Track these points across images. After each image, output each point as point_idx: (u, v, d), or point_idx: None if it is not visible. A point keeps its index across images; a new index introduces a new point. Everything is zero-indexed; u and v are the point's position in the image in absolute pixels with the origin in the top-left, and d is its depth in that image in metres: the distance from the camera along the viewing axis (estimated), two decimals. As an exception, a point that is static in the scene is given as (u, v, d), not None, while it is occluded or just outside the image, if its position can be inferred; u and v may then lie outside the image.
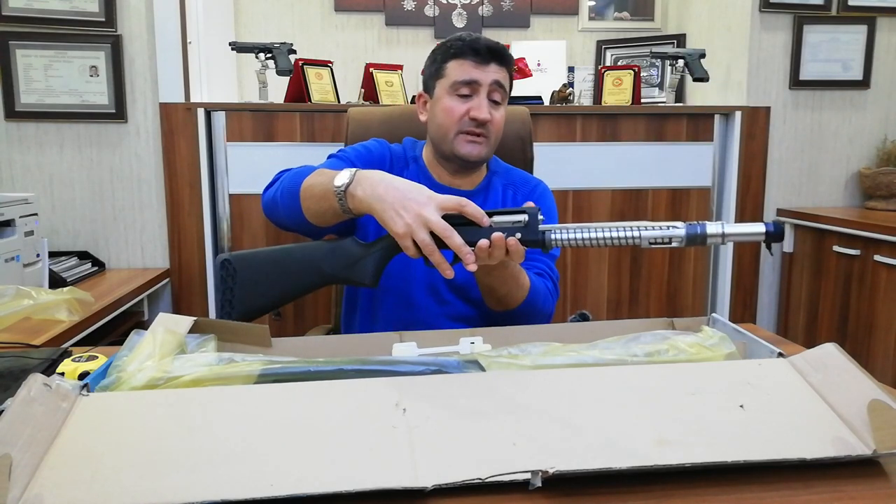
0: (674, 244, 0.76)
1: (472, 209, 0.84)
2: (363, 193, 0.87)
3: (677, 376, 0.65)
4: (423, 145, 1.24)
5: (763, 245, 0.78)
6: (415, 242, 0.84)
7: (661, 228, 0.76)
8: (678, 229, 0.75)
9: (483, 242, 0.82)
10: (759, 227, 0.75)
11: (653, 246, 0.76)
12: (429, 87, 1.18)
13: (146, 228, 2.04)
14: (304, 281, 0.89)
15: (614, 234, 0.77)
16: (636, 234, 0.76)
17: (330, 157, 1.17)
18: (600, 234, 0.78)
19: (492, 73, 1.11)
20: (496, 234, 0.83)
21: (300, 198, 0.98)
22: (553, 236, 0.81)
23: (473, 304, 1.17)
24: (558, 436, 0.55)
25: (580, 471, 0.51)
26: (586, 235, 0.79)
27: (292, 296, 0.90)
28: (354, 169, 0.91)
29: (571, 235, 0.80)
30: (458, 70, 1.11)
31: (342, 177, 0.90)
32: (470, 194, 1.18)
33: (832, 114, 2.37)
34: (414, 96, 1.27)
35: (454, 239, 0.82)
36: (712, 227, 0.75)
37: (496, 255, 0.84)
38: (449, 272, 0.84)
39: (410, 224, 0.82)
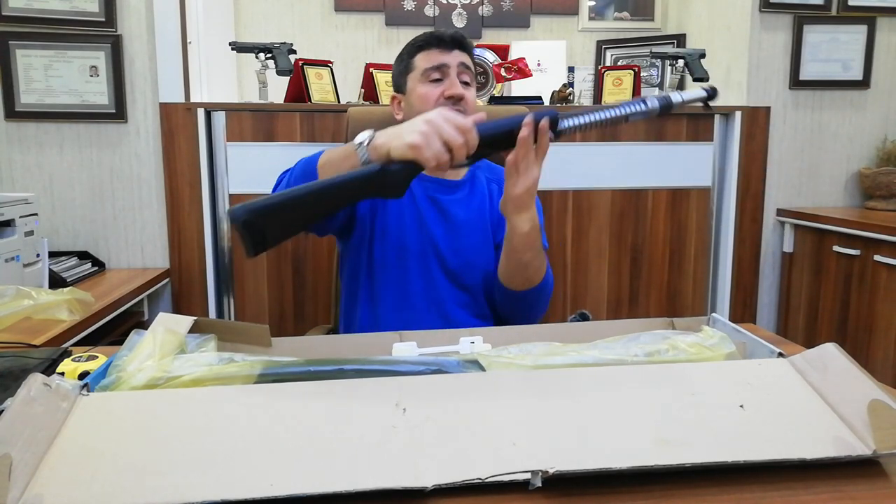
0: (651, 115, 0.90)
1: (483, 116, 0.88)
2: (384, 138, 0.90)
3: (677, 376, 0.65)
4: None
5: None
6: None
7: (641, 104, 0.89)
8: (654, 102, 0.89)
9: (524, 130, 0.88)
10: (701, 92, 0.90)
11: (634, 117, 0.90)
12: (400, 85, 1.24)
13: (146, 228, 2.04)
14: (331, 206, 0.88)
15: (606, 115, 0.90)
16: (624, 111, 0.89)
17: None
18: (595, 118, 0.90)
19: (457, 56, 1.19)
20: (528, 118, 0.88)
21: (318, 174, 1.00)
22: (564, 125, 0.90)
23: (468, 290, 1.20)
24: (558, 436, 0.55)
25: (580, 471, 0.51)
26: (585, 120, 0.90)
27: (320, 219, 0.90)
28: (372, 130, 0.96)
29: (575, 122, 0.90)
30: (425, 59, 1.19)
31: (363, 135, 0.93)
32: (456, 185, 1.23)
33: (832, 114, 2.38)
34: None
35: (467, 120, 0.87)
36: (674, 97, 0.89)
37: (540, 143, 0.89)
38: (470, 119, 0.87)
39: (429, 123, 0.85)
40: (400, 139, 0.86)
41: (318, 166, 1.01)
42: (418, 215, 1.20)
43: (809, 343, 0.73)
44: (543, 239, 1.14)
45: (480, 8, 3.18)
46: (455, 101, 1.15)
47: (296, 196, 0.82)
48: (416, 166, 0.87)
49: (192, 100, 2.31)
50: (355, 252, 1.22)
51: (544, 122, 0.89)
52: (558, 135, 0.91)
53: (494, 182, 1.27)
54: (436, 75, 1.18)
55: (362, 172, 0.85)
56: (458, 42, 1.20)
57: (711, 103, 0.91)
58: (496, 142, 0.90)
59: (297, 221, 0.84)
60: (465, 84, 1.19)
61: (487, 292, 1.22)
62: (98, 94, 1.96)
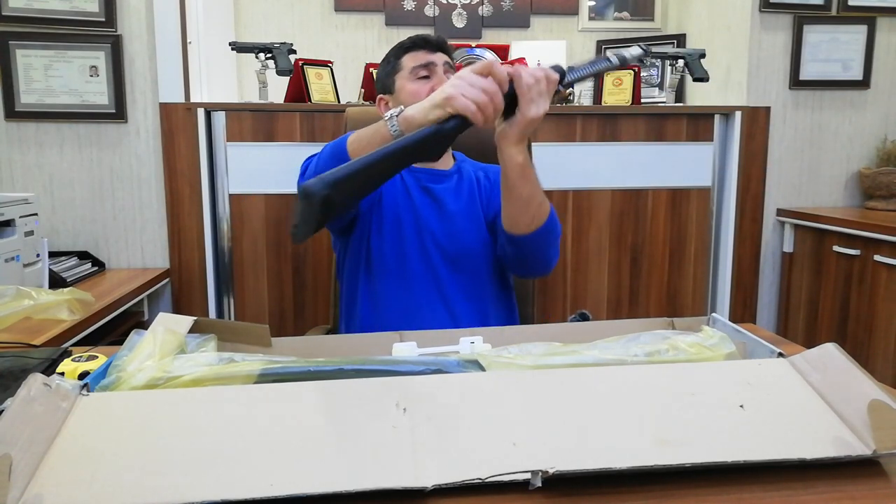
0: (635, 62, 1.00)
1: (499, 68, 0.92)
2: (414, 109, 0.95)
3: (677, 376, 0.65)
4: None
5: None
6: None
7: (627, 54, 0.99)
8: (637, 49, 0.99)
9: (536, 72, 0.94)
10: (638, 50, 0.99)
11: (624, 66, 1.01)
12: (387, 86, 1.28)
13: (146, 228, 2.04)
14: (392, 171, 0.88)
15: (601, 66, 1.00)
16: (614, 61, 0.98)
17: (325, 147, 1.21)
18: (593, 69, 1.00)
19: (441, 56, 1.25)
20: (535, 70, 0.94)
21: (347, 152, 1.03)
22: (569, 78, 0.99)
23: (467, 275, 1.23)
24: (558, 436, 0.55)
25: (580, 471, 0.51)
26: (585, 72, 1.00)
27: (379, 186, 0.95)
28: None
29: (578, 75, 1.00)
30: (412, 59, 1.25)
31: (391, 111, 0.98)
32: (445, 174, 1.27)
33: (832, 114, 2.37)
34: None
35: (491, 67, 0.92)
36: (626, 55, 0.99)
37: (543, 87, 0.94)
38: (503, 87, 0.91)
39: (454, 79, 0.90)
40: (431, 100, 0.91)
41: (347, 146, 1.03)
42: (412, 206, 1.23)
43: (809, 343, 0.73)
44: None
45: (480, 8, 3.18)
46: None
47: (368, 163, 0.81)
48: (464, 122, 0.89)
49: (192, 100, 2.31)
50: (355, 248, 1.24)
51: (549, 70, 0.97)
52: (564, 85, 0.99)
53: (480, 170, 1.31)
54: (423, 73, 1.23)
55: (421, 133, 0.87)
56: (441, 45, 1.27)
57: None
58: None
59: (362, 189, 0.85)
60: None
61: (488, 271, 1.25)
62: (98, 94, 1.96)
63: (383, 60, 1.31)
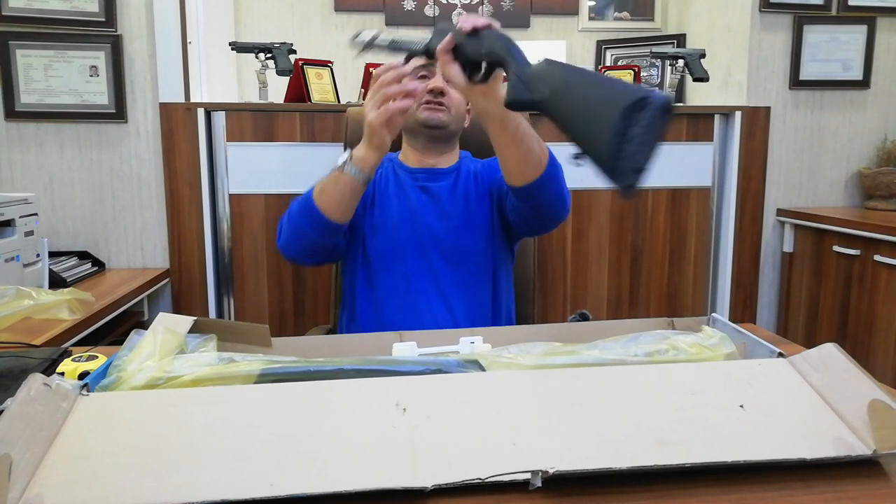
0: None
1: (381, 71, 1.01)
2: (359, 151, 1.04)
3: (677, 376, 0.65)
4: None
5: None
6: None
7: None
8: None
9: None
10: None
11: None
12: None
13: (146, 228, 2.04)
14: None
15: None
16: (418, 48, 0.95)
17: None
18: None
19: None
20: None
21: (316, 205, 1.08)
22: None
23: (467, 270, 1.23)
24: (558, 436, 0.55)
25: (580, 471, 0.51)
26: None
27: None
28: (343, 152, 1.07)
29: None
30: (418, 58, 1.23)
31: (340, 157, 1.06)
32: (444, 172, 1.28)
33: (832, 114, 2.37)
34: None
35: (385, 77, 1.00)
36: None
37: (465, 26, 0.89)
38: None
39: (365, 108, 1.01)
40: (365, 135, 1.02)
41: (314, 197, 1.09)
42: (409, 205, 1.24)
43: (809, 343, 0.73)
44: None
45: (480, 8, 3.18)
46: (436, 94, 1.22)
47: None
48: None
49: (192, 100, 2.31)
50: (352, 250, 1.25)
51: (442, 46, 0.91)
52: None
53: (478, 164, 1.31)
54: (423, 72, 1.24)
55: None
56: None
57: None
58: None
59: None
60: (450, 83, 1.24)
61: (488, 268, 1.25)
62: (98, 94, 1.96)
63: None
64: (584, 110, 0.71)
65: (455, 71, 0.92)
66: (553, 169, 1.09)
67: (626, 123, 0.66)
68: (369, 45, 0.97)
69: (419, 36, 0.95)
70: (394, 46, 0.96)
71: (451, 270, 1.23)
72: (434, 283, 1.22)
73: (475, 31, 0.88)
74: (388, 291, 1.22)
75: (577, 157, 0.71)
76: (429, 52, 0.92)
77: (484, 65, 0.90)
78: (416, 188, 1.25)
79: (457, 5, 3.17)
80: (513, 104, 0.82)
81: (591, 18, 3.25)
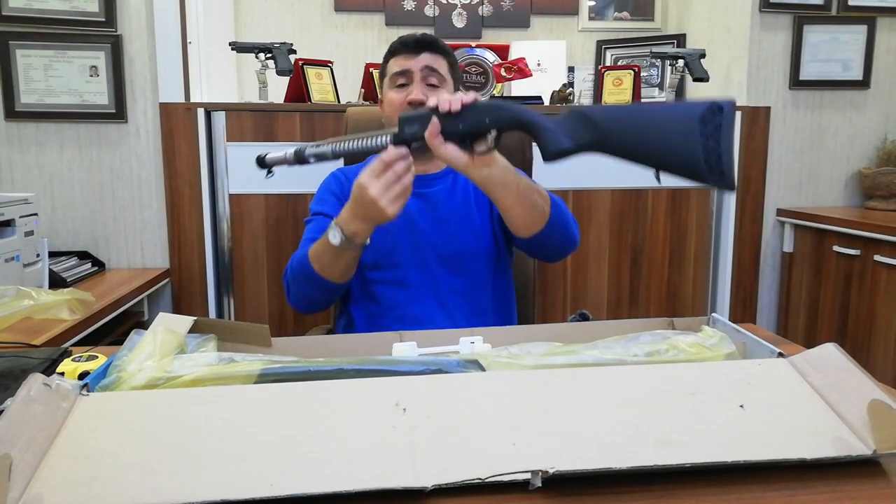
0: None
1: (389, 156, 0.93)
2: (353, 225, 1.01)
3: (677, 376, 0.65)
4: None
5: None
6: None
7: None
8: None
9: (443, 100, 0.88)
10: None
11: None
12: (381, 88, 1.30)
13: (146, 228, 2.04)
14: None
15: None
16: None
17: (306, 223, 1.25)
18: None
19: (423, 60, 1.20)
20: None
21: (322, 276, 1.08)
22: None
23: (466, 276, 1.21)
24: (558, 436, 0.55)
25: (580, 471, 0.51)
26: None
27: None
28: (333, 224, 1.03)
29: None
30: (393, 65, 1.23)
31: (334, 236, 1.02)
32: (437, 177, 1.26)
33: (832, 114, 2.37)
34: None
35: (400, 167, 0.93)
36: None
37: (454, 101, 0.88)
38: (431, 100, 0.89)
39: (381, 202, 0.95)
40: (364, 221, 1.00)
41: (317, 270, 1.07)
42: (406, 212, 1.18)
43: (809, 343, 0.73)
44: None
45: (480, 8, 3.18)
46: (416, 106, 1.16)
47: None
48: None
49: (192, 100, 2.31)
50: None
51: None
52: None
53: None
54: (401, 80, 1.21)
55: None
56: (426, 44, 1.21)
57: None
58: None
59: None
60: (433, 86, 1.20)
61: (487, 271, 1.23)
62: (98, 94, 1.96)
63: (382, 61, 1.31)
64: (652, 135, 0.77)
65: (453, 151, 0.90)
66: (557, 212, 1.08)
67: (706, 130, 0.72)
68: (303, 160, 0.98)
69: (364, 134, 0.94)
70: (339, 153, 0.95)
71: (450, 278, 1.20)
72: (434, 292, 1.19)
73: (463, 107, 0.88)
74: (385, 302, 1.19)
75: (657, 177, 0.78)
76: (403, 142, 0.91)
77: (494, 133, 0.89)
78: (411, 195, 1.19)
79: (457, 5, 3.17)
80: (556, 155, 0.84)
81: (591, 18, 3.25)
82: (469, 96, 0.89)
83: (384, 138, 0.92)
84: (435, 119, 0.88)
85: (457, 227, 1.22)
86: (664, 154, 0.76)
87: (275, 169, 1.01)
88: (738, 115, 2.18)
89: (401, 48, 1.22)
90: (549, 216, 1.06)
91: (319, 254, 1.07)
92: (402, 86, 1.20)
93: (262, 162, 1.02)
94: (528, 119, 0.86)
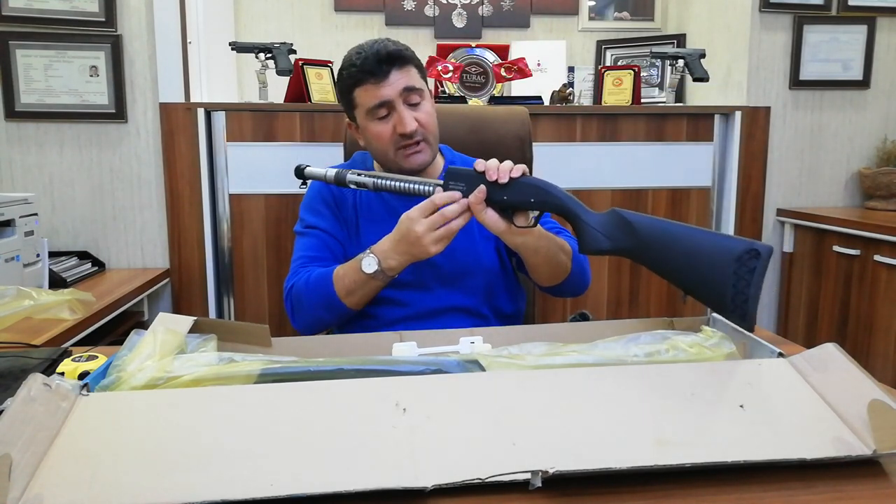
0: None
1: (441, 198, 0.96)
2: (394, 261, 1.02)
3: (677, 376, 0.65)
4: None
5: None
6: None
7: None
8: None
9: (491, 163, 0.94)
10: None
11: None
12: (351, 117, 1.19)
13: (146, 228, 2.04)
14: None
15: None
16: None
17: (298, 233, 1.25)
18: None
19: (396, 82, 1.10)
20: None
21: (345, 303, 1.08)
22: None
23: (467, 293, 1.17)
24: (558, 436, 0.55)
25: (580, 471, 0.51)
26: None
27: None
28: (369, 252, 1.04)
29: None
30: (365, 97, 1.11)
31: (369, 265, 1.03)
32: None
33: (832, 114, 2.37)
34: None
35: (449, 211, 0.96)
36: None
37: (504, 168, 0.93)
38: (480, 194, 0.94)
39: (425, 239, 0.97)
40: (409, 257, 1.02)
41: (341, 297, 1.07)
42: None
43: (809, 343, 0.73)
44: (567, 236, 1.16)
45: (480, 8, 3.18)
46: (410, 136, 1.10)
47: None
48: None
49: (192, 100, 2.31)
50: None
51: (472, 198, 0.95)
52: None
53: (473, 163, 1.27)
54: (382, 112, 1.10)
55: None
56: (391, 61, 1.09)
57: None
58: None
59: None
60: (415, 105, 1.12)
61: (489, 287, 1.19)
62: (98, 94, 1.96)
63: (337, 84, 1.19)
64: (687, 260, 0.80)
65: (493, 218, 0.95)
66: (577, 266, 1.13)
67: (739, 270, 0.76)
68: (362, 185, 1.01)
69: (410, 178, 1.00)
70: (380, 188, 1.00)
71: (449, 294, 1.16)
72: (431, 312, 1.15)
73: (511, 180, 0.93)
74: (382, 319, 1.15)
75: (683, 298, 0.82)
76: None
77: (535, 213, 0.96)
78: (407, 208, 1.06)
79: (457, 5, 3.17)
80: (594, 252, 0.89)
81: (591, 18, 3.25)
82: (518, 169, 0.93)
83: (431, 188, 0.98)
84: (483, 187, 0.93)
85: (457, 246, 1.13)
86: (694, 282, 0.80)
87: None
88: (738, 115, 2.18)
89: (367, 76, 1.09)
90: (571, 267, 1.11)
91: (345, 279, 1.06)
92: (383, 117, 1.11)
93: (300, 173, 1.03)
94: (573, 210, 0.91)
